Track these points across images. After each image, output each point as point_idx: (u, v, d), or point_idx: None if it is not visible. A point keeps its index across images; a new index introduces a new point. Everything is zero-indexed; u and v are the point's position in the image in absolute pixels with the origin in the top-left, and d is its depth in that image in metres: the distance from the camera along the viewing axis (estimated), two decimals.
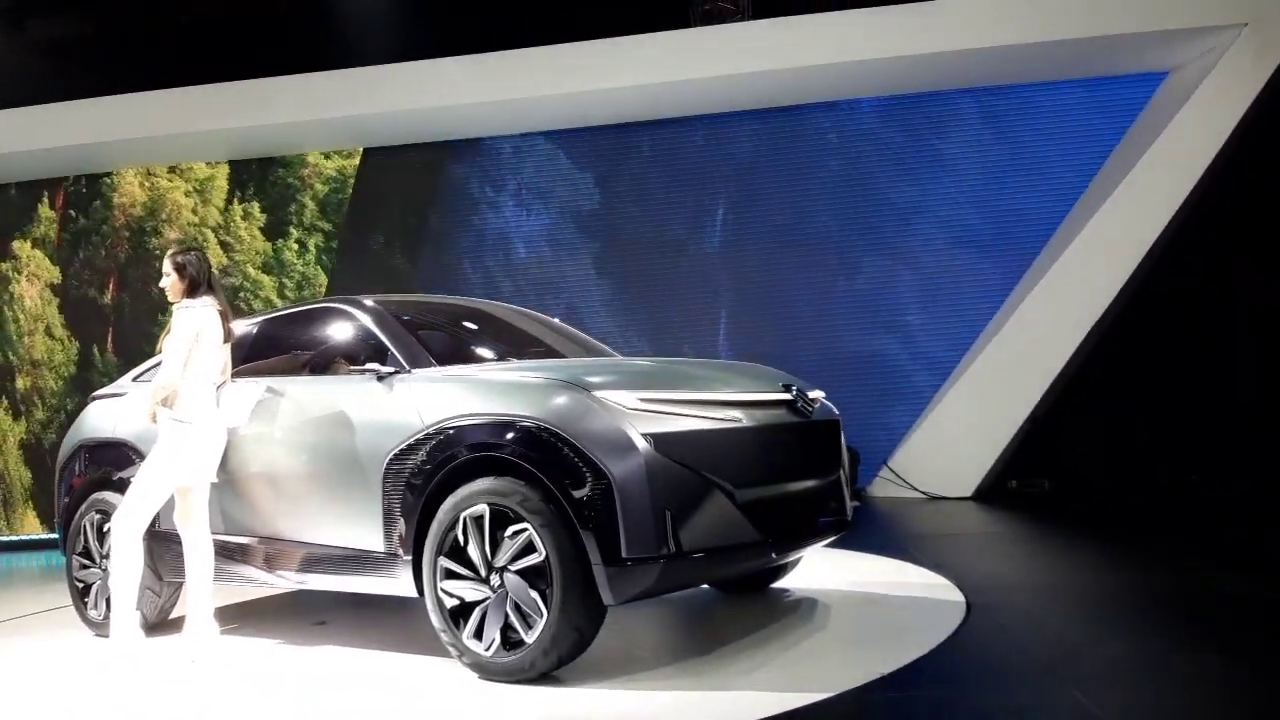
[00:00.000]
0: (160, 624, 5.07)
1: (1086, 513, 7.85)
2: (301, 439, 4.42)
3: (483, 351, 4.93)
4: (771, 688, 3.45)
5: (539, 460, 3.57)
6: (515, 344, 5.23)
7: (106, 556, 4.90)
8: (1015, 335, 9.09)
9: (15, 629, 5.72)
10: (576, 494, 3.47)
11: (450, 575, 3.75)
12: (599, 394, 3.61)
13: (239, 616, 5.48)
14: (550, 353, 5.03)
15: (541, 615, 3.52)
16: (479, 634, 3.67)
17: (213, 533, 4.61)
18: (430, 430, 3.89)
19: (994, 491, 9.06)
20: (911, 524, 7.75)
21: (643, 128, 10.32)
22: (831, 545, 4.76)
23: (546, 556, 3.51)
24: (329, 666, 4.24)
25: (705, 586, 5.07)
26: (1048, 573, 5.81)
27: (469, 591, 3.70)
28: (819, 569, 5.40)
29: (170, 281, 4.57)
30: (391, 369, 4.20)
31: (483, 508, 3.66)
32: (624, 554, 3.41)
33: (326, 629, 4.97)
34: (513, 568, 3.59)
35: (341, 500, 4.21)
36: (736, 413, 3.84)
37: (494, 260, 10.53)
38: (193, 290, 4.54)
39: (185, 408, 4.40)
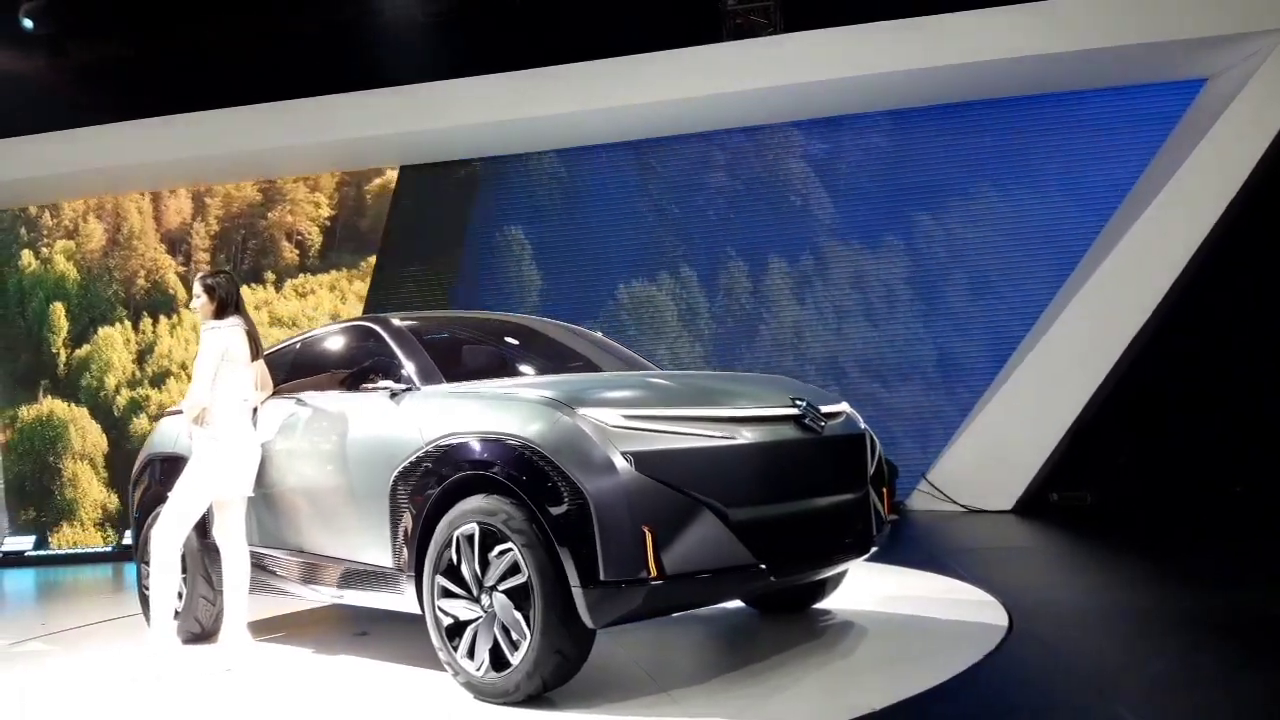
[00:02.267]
0: (216, 631, 5.17)
1: (1129, 526, 7.74)
2: (322, 455, 4.53)
3: (506, 367, 4.96)
4: (790, 714, 3.36)
5: (522, 479, 3.52)
6: (549, 359, 5.27)
7: None
8: (1055, 346, 9.00)
9: (82, 636, 5.89)
10: (555, 514, 3.41)
11: (446, 594, 3.74)
12: (582, 411, 3.55)
13: (284, 625, 5.59)
14: (589, 366, 5.05)
15: (526, 637, 3.47)
16: (472, 653, 3.65)
17: (249, 545, 4.77)
18: (429, 448, 3.90)
19: (1035, 504, 8.94)
20: (951, 538, 7.68)
21: (676, 141, 10.36)
22: (870, 560, 4.56)
23: (529, 577, 3.46)
24: (356, 679, 4.29)
25: (742, 605, 5.01)
26: (1091, 587, 5.73)
27: (463, 610, 3.69)
28: (856, 584, 5.28)
29: (201, 303, 4.77)
30: (404, 386, 4.25)
31: (473, 526, 3.64)
32: (602, 576, 3.32)
33: (366, 640, 5.00)
34: (500, 588, 3.56)
35: (356, 516, 4.28)
36: (733, 429, 3.71)
37: (527, 275, 10.57)
38: (221, 311, 4.75)
39: (215, 424, 4.58)
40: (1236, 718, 3.14)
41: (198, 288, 4.80)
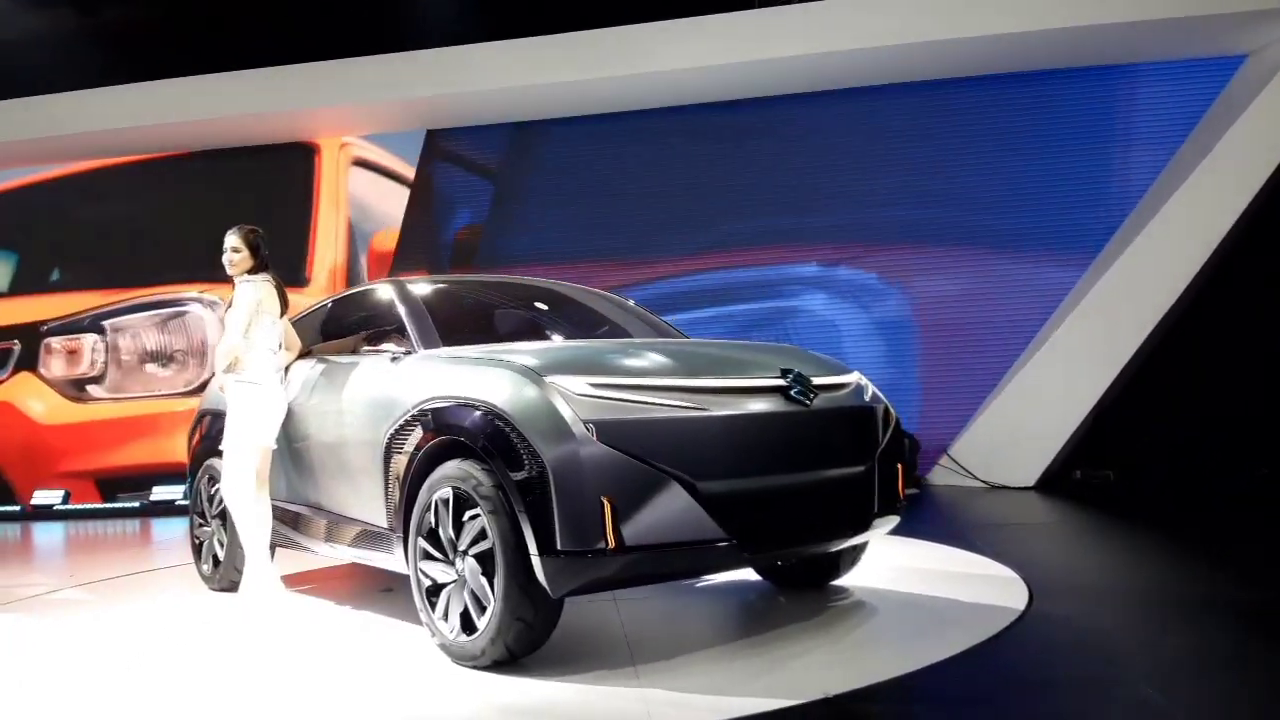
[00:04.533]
0: None
1: (1152, 505, 7.71)
2: (331, 415, 4.63)
3: (518, 332, 4.98)
4: (755, 693, 3.25)
5: (489, 446, 3.50)
6: (573, 325, 5.30)
7: (216, 516, 5.40)
8: (1082, 323, 8.94)
9: (112, 587, 6.02)
10: (517, 481, 3.37)
11: (427, 556, 3.77)
12: (550, 379, 3.50)
13: (313, 580, 5.71)
14: (616, 332, 5.05)
15: (491, 602, 3.48)
16: (447, 616, 3.68)
17: (279, 500, 4.97)
18: (415, 411, 3.93)
19: (1057, 481, 8.92)
20: (972, 513, 7.68)
21: (699, 110, 10.29)
22: (892, 534, 4.46)
23: (494, 543, 3.45)
24: (366, 635, 4.36)
25: (759, 579, 4.94)
26: (1112, 565, 5.72)
27: (440, 573, 3.72)
28: (875, 558, 5.18)
29: (240, 257, 4.86)
30: (404, 349, 4.30)
31: (448, 491, 3.65)
32: (559, 545, 3.28)
33: (390, 598, 5.07)
34: (471, 553, 3.57)
35: (359, 477, 4.36)
36: (707, 400, 3.60)
37: (551, 241, 10.56)
38: (257, 266, 4.82)
39: (253, 371, 4.74)
40: (1254, 700, 3.13)
41: (236, 240, 4.89)
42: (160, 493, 10.50)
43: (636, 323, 5.25)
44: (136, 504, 10.56)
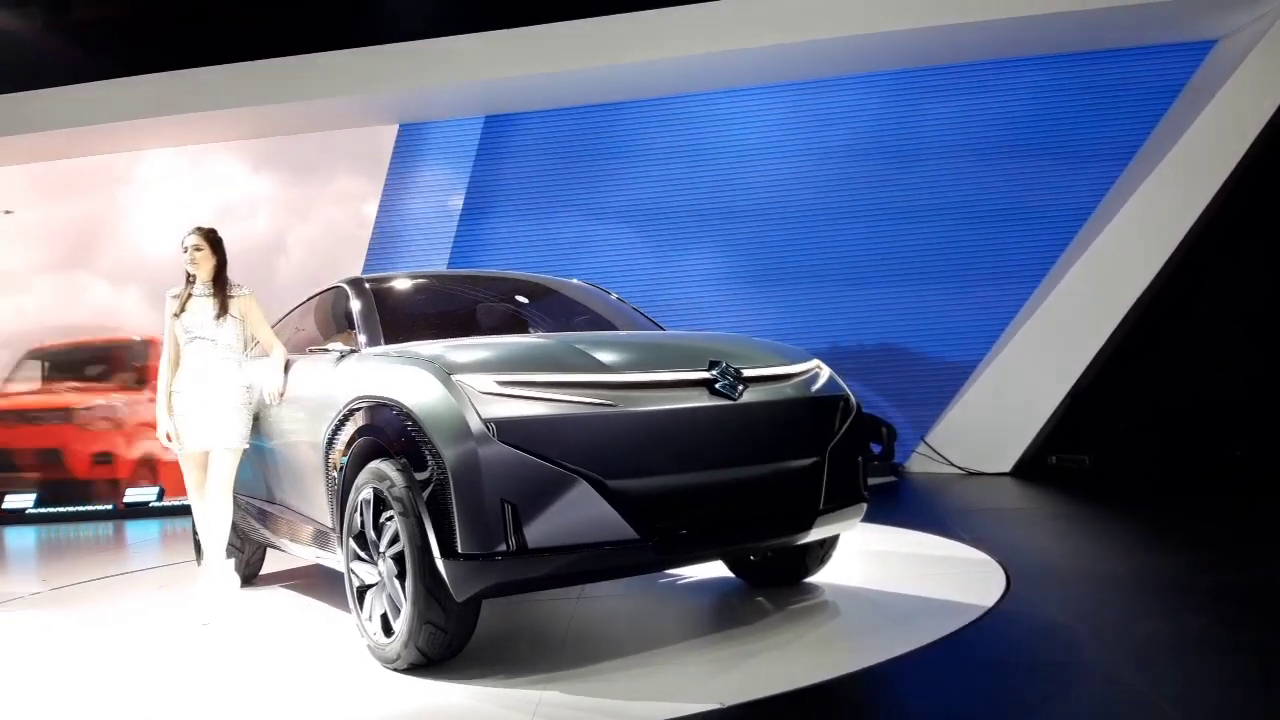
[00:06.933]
0: (248, 579, 5.44)
1: (1128, 489, 7.75)
2: (285, 415, 4.64)
3: (487, 328, 4.92)
4: (691, 693, 3.12)
5: (398, 446, 3.44)
6: (548, 316, 5.24)
7: None
8: (1057, 309, 8.97)
9: (87, 590, 5.95)
10: (422, 482, 3.31)
11: (356, 556, 3.74)
12: (456, 377, 3.40)
13: (291, 577, 5.68)
14: (598, 324, 4.99)
15: (403, 605, 3.42)
16: (372, 617, 3.65)
17: (257, 499, 5.01)
18: (345, 411, 3.89)
19: (1033, 467, 8.97)
20: (949, 499, 7.70)
21: (669, 101, 10.27)
22: (866, 521, 4.32)
23: (405, 545, 3.38)
24: (323, 637, 4.30)
25: (731, 575, 4.80)
26: (1088, 549, 5.74)
27: (367, 574, 3.69)
28: (852, 546, 5.15)
29: (203, 254, 4.75)
30: (350, 348, 4.26)
31: (370, 492, 3.60)
32: (460, 548, 3.20)
33: None
34: (388, 554, 3.53)
35: (307, 475, 4.35)
36: (619, 395, 3.43)
37: (524, 234, 10.51)
38: (220, 266, 4.81)
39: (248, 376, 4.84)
40: (1231, 679, 3.14)
41: (198, 239, 4.77)
42: (134, 495, 10.38)
43: (617, 314, 5.13)
44: (109, 506, 10.44)
